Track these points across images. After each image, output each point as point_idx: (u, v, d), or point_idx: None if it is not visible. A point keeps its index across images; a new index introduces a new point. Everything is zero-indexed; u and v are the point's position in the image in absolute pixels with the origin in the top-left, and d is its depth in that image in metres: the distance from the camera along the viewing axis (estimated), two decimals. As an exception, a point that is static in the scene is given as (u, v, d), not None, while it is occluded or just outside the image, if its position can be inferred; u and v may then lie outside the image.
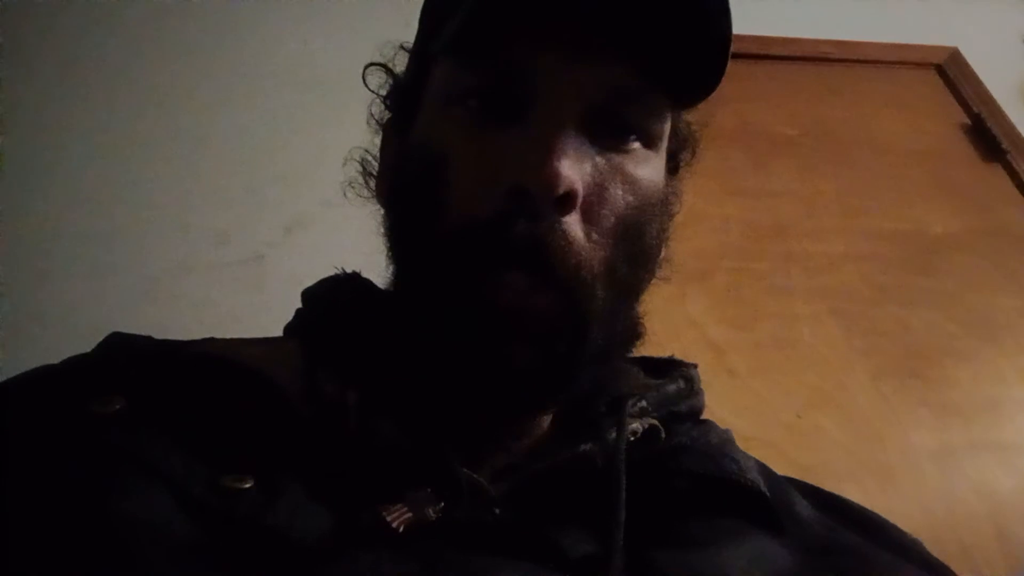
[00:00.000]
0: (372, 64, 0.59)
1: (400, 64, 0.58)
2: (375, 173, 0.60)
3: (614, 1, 0.42)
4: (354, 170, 0.61)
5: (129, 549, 0.34)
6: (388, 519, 0.38)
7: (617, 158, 0.45)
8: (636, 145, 0.46)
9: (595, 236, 0.43)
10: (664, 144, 0.49)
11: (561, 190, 0.40)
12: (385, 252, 0.52)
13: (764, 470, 0.55)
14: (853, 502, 0.55)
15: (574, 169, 0.41)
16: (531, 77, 0.43)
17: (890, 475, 1.17)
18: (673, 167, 0.55)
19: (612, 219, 0.44)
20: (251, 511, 0.37)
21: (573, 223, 0.42)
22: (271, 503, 0.37)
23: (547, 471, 0.45)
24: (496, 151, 0.43)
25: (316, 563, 0.36)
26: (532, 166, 0.40)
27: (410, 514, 0.38)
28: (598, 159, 0.44)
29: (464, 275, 0.42)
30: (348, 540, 0.37)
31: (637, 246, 0.46)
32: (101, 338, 0.51)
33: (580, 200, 0.42)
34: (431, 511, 0.39)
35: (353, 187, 0.61)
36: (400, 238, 0.50)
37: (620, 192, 0.45)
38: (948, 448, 1.21)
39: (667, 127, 0.48)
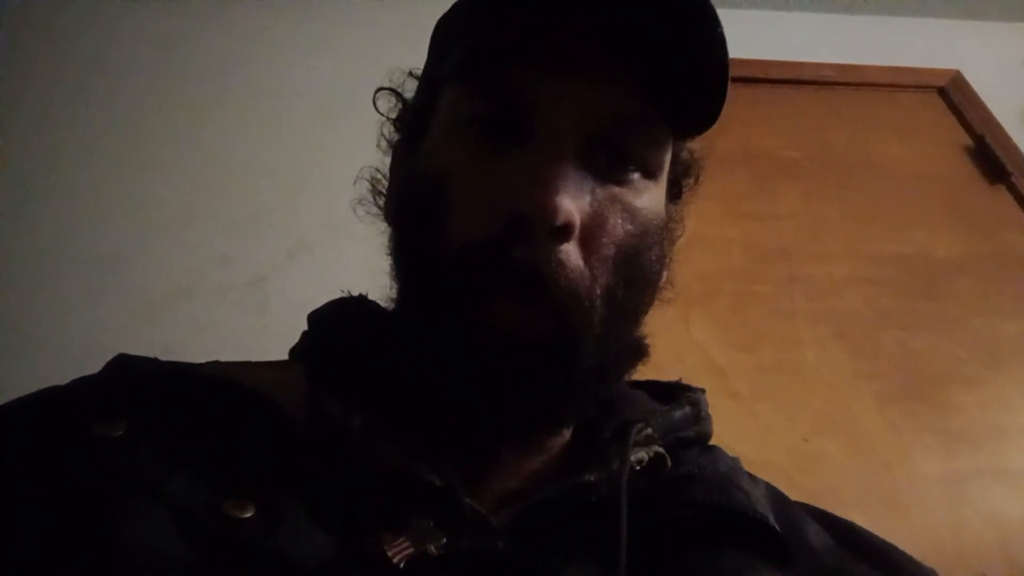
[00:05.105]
0: (383, 88, 0.61)
1: (409, 90, 0.60)
2: (384, 192, 0.61)
3: (614, 29, 0.42)
4: (364, 188, 0.62)
5: (129, 574, 0.33)
6: (389, 553, 0.37)
7: (616, 188, 0.45)
8: (635, 175, 0.46)
9: (593, 263, 0.44)
10: (664, 173, 0.49)
11: (559, 221, 0.41)
12: (389, 272, 0.52)
13: (775, 495, 0.54)
14: (869, 532, 0.54)
15: (572, 200, 0.42)
16: (533, 103, 0.44)
17: (897, 501, 1.16)
18: (675, 193, 0.55)
19: (611, 248, 0.44)
20: (253, 536, 0.37)
21: (571, 251, 0.43)
22: (274, 527, 0.37)
23: (550, 500, 0.44)
24: (498, 177, 0.44)
25: None
26: (531, 195, 0.41)
27: (411, 549, 0.38)
28: (597, 189, 0.44)
29: (463, 295, 0.43)
30: (350, 567, 0.37)
31: (636, 272, 0.46)
32: (103, 361, 0.50)
33: (578, 230, 0.43)
34: (432, 547, 0.38)
35: (363, 204, 0.62)
36: (403, 258, 0.51)
37: (619, 222, 0.45)
38: (955, 474, 1.20)
39: (667, 157, 0.49)
